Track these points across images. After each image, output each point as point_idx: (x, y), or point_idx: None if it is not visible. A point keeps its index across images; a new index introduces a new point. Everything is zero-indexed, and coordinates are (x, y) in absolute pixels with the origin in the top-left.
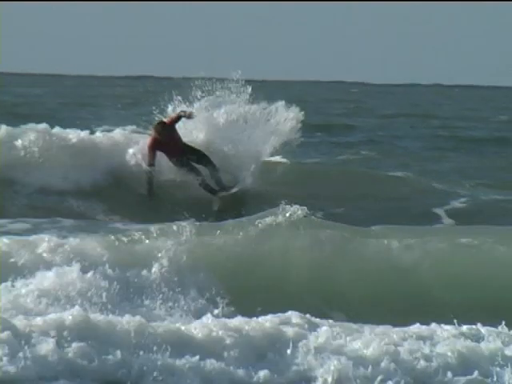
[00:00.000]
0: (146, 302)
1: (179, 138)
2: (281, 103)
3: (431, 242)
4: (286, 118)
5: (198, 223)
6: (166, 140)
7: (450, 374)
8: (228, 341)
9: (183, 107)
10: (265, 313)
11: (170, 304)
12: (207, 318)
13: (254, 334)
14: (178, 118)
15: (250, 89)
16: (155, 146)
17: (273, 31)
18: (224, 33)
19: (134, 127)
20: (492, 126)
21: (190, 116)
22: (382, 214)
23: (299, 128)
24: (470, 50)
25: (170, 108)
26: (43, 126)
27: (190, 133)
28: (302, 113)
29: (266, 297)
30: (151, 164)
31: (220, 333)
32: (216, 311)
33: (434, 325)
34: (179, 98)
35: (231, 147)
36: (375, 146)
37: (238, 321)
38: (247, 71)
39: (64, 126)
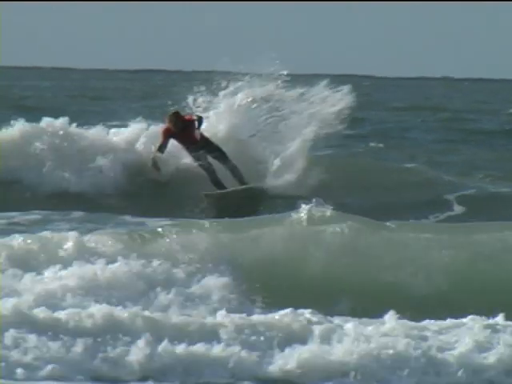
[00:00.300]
0: (173, 297)
1: (194, 132)
2: (323, 83)
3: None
4: (330, 100)
5: (221, 219)
6: (179, 131)
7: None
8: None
9: (203, 100)
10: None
11: (200, 297)
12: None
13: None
14: (197, 120)
15: (285, 72)
16: (168, 134)
17: (281, 24)
18: (235, 26)
19: (147, 121)
20: (502, 118)
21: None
22: (394, 204)
23: (346, 113)
24: (480, 43)
25: (190, 99)
26: (61, 120)
27: (226, 122)
28: (352, 95)
29: (289, 293)
30: (160, 149)
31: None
32: (245, 305)
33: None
34: (202, 89)
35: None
36: (385, 138)
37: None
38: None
39: (74, 120)
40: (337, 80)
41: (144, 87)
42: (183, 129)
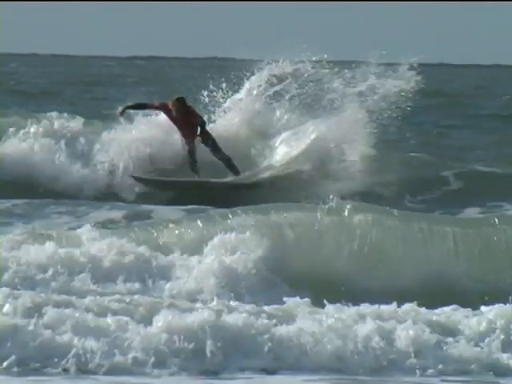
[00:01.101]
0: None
1: (191, 125)
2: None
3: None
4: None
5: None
6: (179, 117)
7: None
8: None
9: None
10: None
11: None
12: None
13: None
14: (199, 124)
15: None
16: (164, 108)
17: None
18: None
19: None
20: (499, 103)
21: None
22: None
23: (407, 98)
24: (476, 31)
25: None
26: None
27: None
28: (417, 78)
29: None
30: (141, 105)
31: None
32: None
33: None
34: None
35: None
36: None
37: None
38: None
39: (70, 105)
40: (338, 64)
41: (142, 73)
42: (183, 117)
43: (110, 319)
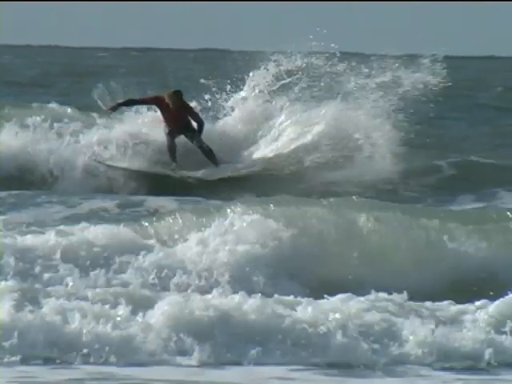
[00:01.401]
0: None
1: (184, 120)
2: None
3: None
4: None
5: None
6: (174, 109)
7: None
8: None
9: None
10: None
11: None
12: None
13: None
14: (198, 129)
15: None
16: (157, 101)
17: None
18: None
19: None
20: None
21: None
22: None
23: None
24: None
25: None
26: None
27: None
28: (444, 71)
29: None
30: (133, 101)
31: None
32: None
33: None
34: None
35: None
36: None
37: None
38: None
39: (64, 96)
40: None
41: (136, 64)
42: (177, 109)
43: (117, 309)
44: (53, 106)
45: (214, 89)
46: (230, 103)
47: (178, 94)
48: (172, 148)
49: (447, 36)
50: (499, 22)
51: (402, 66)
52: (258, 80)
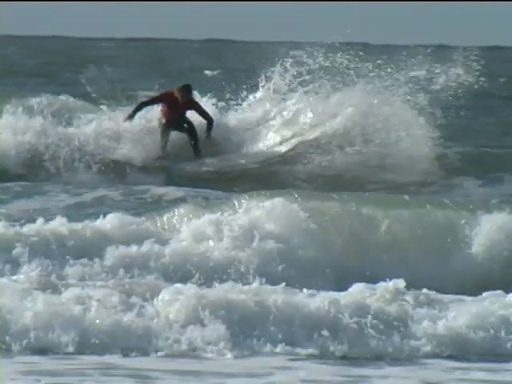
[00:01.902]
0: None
1: (183, 115)
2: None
3: None
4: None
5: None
6: (182, 103)
7: None
8: None
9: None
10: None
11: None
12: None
13: None
14: (207, 127)
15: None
16: (166, 97)
17: None
18: None
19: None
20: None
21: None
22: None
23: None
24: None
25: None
26: None
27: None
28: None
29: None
30: (147, 102)
31: None
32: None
33: None
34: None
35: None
36: None
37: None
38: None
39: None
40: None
41: (139, 55)
42: (185, 103)
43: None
44: (60, 97)
45: (222, 83)
46: (244, 104)
47: (187, 89)
48: (164, 138)
49: (454, 26)
50: (503, 12)
51: (431, 61)
52: (275, 80)
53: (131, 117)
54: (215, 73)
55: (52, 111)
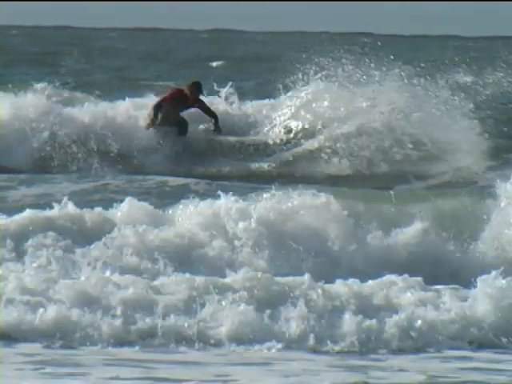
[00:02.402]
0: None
1: (179, 114)
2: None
3: None
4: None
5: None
6: (190, 100)
7: None
8: None
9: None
10: None
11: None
12: None
13: None
14: (213, 123)
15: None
16: (178, 95)
17: None
18: None
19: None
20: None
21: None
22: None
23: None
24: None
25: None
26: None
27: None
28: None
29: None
30: (163, 103)
31: None
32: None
33: None
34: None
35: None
36: None
37: None
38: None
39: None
40: (337, 37)
41: (145, 45)
42: (194, 99)
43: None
44: (64, 87)
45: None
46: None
47: (197, 86)
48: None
49: (459, 17)
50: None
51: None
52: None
53: (153, 122)
54: (220, 63)
55: (56, 100)
